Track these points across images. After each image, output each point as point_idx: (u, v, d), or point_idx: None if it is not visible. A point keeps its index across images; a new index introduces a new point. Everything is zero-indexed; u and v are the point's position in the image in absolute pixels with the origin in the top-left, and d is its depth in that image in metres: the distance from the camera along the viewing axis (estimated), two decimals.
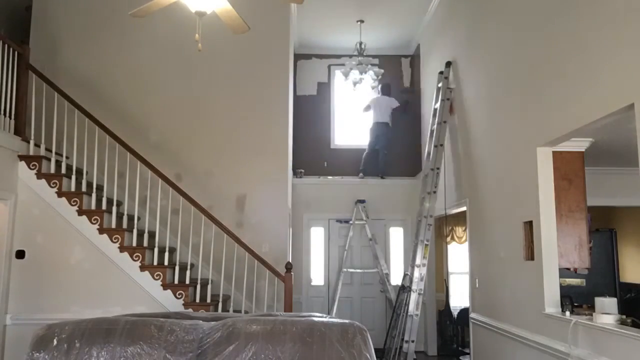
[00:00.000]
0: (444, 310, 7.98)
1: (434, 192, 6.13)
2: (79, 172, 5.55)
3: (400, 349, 5.91)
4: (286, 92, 6.58)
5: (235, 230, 5.70)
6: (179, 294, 5.14)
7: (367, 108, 8.24)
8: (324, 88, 8.72)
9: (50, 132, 5.45)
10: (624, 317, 3.21)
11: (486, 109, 5.26)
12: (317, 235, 8.20)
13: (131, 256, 5.18)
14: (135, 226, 5.32)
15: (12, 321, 5.04)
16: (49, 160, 5.34)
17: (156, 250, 5.40)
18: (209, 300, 5.25)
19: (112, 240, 5.19)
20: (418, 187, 7.19)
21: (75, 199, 5.22)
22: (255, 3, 6.15)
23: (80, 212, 5.20)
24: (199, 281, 5.33)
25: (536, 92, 4.06)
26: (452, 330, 7.84)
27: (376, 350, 2.79)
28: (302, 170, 8.13)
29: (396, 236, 8.21)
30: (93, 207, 5.27)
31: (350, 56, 7.84)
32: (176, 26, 6.13)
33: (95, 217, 5.21)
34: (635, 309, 4.49)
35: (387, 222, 8.17)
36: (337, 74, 8.65)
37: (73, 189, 5.33)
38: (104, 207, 5.32)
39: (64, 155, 5.66)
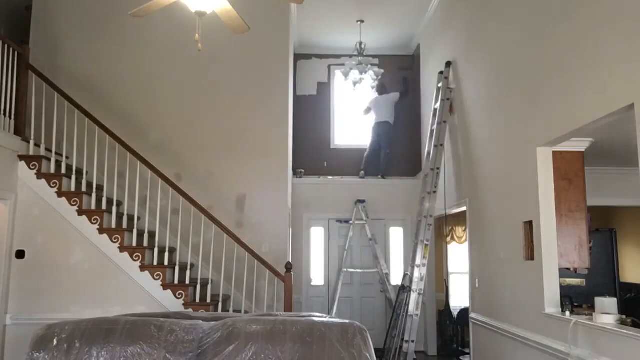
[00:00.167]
0: (444, 310, 7.97)
1: (434, 192, 6.13)
2: (79, 172, 5.55)
3: (400, 349, 5.91)
4: (286, 92, 6.58)
5: (235, 230, 5.71)
6: (179, 294, 5.14)
7: (368, 110, 8.25)
8: (324, 88, 8.72)
9: (50, 132, 5.45)
10: (624, 317, 3.21)
11: (486, 109, 5.26)
12: (317, 235, 8.20)
13: (131, 256, 5.18)
14: (135, 226, 5.32)
15: (12, 321, 5.04)
16: (49, 160, 5.34)
17: (156, 250, 5.40)
18: (209, 300, 5.25)
19: (112, 240, 5.19)
20: (418, 187, 7.19)
21: (75, 199, 5.22)
22: (255, 3, 6.16)
23: (80, 212, 5.20)
24: (199, 281, 5.33)
25: (536, 92, 4.06)
26: (452, 330, 7.84)
27: (376, 350, 2.79)
28: (302, 170, 8.13)
29: (396, 236, 8.21)
30: (93, 207, 5.27)
31: (350, 56, 7.84)
32: (176, 26, 6.13)
33: (95, 217, 5.21)
34: (635, 309, 4.50)
35: (387, 222, 8.17)
36: (337, 74, 8.65)
37: (73, 189, 5.33)
38: (104, 207, 5.32)
39: (64, 155, 5.66)
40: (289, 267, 5.36)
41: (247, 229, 6.19)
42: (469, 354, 6.10)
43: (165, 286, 5.16)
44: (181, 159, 6.32)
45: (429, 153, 6.48)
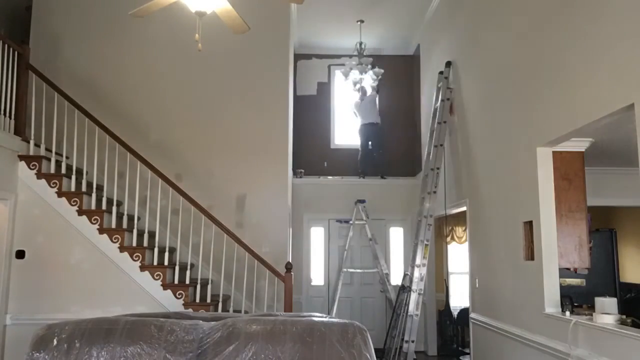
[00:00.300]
0: (444, 310, 7.97)
1: (434, 192, 6.13)
2: (79, 172, 5.55)
3: (400, 349, 5.91)
4: (286, 92, 6.58)
5: (235, 230, 5.70)
6: (179, 294, 5.14)
7: (355, 115, 8.29)
8: (324, 88, 8.72)
9: (50, 132, 5.45)
10: (624, 317, 3.21)
11: (486, 109, 5.26)
12: (317, 235, 8.20)
13: (131, 256, 5.18)
14: (135, 226, 5.32)
15: (12, 321, 5.04)
16: (49, 160, 5.34)
17: (156, 250, 5.40)
18: (209, 300, 5.25)
19: (112, 240, 5.19)
20: (418, 187, 7.19)
21: (75, 199, 5.22)
22: (255, 3, 6.15)
23: (80, 212, 5.20)
24: (199, 281, 5.33)
25: (536, 92, 4.06)
26: (452, 330, 7.84)
27: (376, 350, 2.79)
28: (302, 170, 8.13)
29: (396, 236, 8.21)
30: (93, 207, 5.27)
31: (350, 56, 7.84)
32: (176, 26, 6.13)
33: (95, 217, 5.21)
34: (635, 309, 4.49)
35: (387, 222, 8.17)
36: (337, 74, 8.66)
37: (73, 189, 5.33)
38: (104, 207, 5.32)
39: (64, 155, 5.66)
40: (289, 267, 5.36)
41: (247, 229, 6.19)
42: (469, 354, 6.10)
43: (165, 286, 5.16)
44: (181, 159, 6.32)
45: (429, 153, 6.48)
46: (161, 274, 5.17)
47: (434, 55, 7.37)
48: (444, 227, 8.26)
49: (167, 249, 5.29)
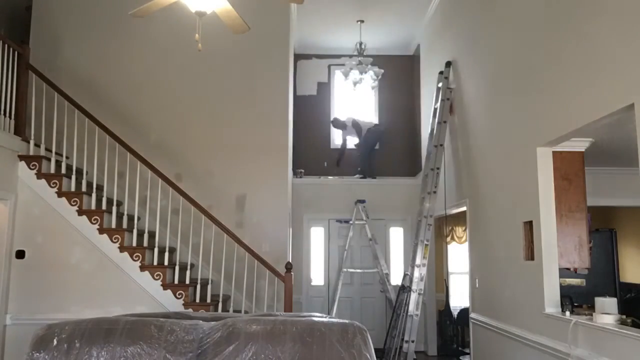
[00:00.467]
0: (444, 310, 7.97)
1: (434, 192, 6.13)
2: (79, 172, 5.55)
3: (400, 349, 5.91)
4: (286, 92, 6.58)
5: (235, 230, 5.71)
6: (179, 294, 5.14)
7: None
8: (324, 88, 8.72)
9: (50, 132, 5.45)
10: (624, 317, 3.21)
11: (486, 108, 5.26)
12: (317, 235, 8.20)
13: (131, 256, 5.18)
14: (135, 226, 5.32)
15: (12, 321, 5.04)
16: (49, 160, 5.34)
17: (156, 250, 5.40)
18: (209, 300, 5.25)
19: (112, 240, 5.19)
20: (418, 187, 7.19)
21: (75, 199, 5.22)
22: (255, 3, 6.15)
23: (80, 212, 5.20)
24: (199, 281, 5.33)
25: (536, 92, 4.06)
26: (452, 330, 7.84)
27: (376, 350, 2.79)
28: (302, 170, 8.13)
29: (396, 236, 8.21)
30: (93, 207, 5.27)
31: (350, 56, 7.84)
32: (176, 26, 6.13)
33: (95, 217, 5.21)
34: (635, 309, 4.49)
35: (387, 222, 8.17)
36: (337, 74, 8.65)
37: (73, 189, 5.33)
38: (104, 207, 5.32)
39: (64, 155, 5.66)
40: (289, 267, 5.36)
41: (247, 229, 6.19)
42: (469, 354, 6.10)
43: (165, 286, 5.16)
44: (181, 159, 6.31)
45: (428, 153, 6.48)
46: (161, 274, 5.17)
47: (434, 55, 7.37)
48: (444, 227, 8.26)
49: (167, 249, 5.29)
